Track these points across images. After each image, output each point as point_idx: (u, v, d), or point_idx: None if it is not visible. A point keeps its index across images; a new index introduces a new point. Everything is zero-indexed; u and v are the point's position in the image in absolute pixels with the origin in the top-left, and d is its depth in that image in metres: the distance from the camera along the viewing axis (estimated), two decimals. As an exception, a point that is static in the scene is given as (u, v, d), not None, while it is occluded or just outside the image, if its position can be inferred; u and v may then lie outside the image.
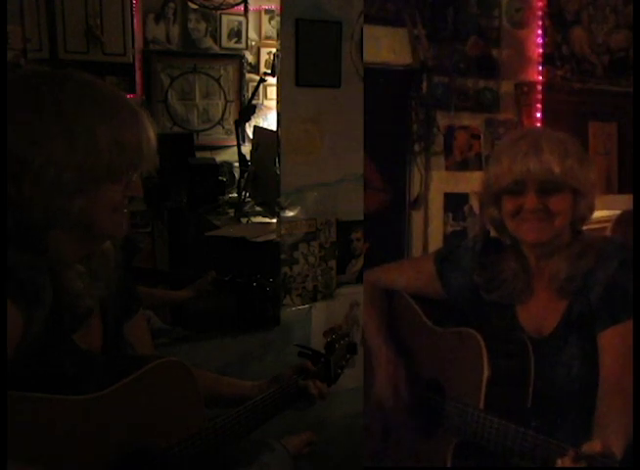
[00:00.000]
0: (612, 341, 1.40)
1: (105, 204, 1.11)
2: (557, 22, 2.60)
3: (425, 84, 2.43)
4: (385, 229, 2.45)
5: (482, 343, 1.47)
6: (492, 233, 1.60)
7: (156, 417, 1.19)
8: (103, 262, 1.19)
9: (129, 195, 1.16)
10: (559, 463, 1.20)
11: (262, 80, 3.57)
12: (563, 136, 1.49)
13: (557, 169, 1.41)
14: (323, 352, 1.62)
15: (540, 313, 1.52)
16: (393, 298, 1.76)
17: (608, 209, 2.58)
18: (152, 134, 1.15)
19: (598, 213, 2.45)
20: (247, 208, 2.93)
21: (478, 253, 1.61)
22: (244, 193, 2.99)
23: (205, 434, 1.26)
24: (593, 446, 1.16)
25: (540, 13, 2.57)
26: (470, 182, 2.48)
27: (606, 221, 2.49)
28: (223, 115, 4.14)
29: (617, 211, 2.54)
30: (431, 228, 2.50)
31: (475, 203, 2.44)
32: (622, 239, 1.53)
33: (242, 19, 4.11)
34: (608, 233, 2.47)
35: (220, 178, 3.14)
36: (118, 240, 1.26)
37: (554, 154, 1.43)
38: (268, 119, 3.80)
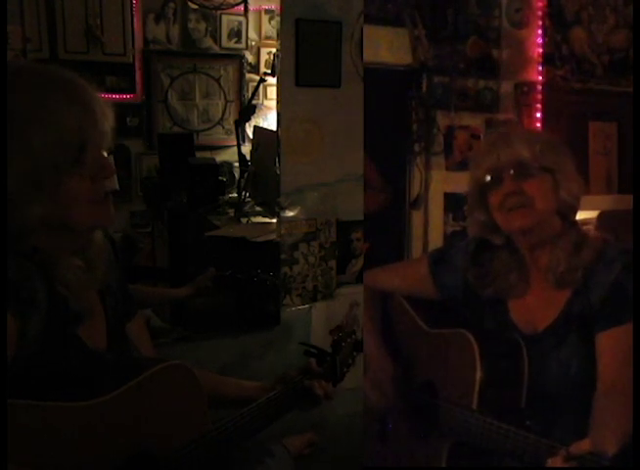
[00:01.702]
0: (611, 342, 1.41)
1: (72, 197, 1.04)
2: (557, 22, 2.60)
3: (425, 84, 2.43)
4: (385, 229, 2.45)
5: (475, 344, 1.48)
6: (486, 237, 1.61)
7: (160, 420, 1.18)
8: (96, 253, 1.17)
9: (102, 178, 1.08)
10: (550, 463, 1.20)
11: (262, 80, 3.57)
12: (534, 130, 1.57)
13: (525, 154, 1.46)
14: (329, 350, 1.62)
15: (535, 308, 1.53)
16: (389, 300, 1.76)
17: (608, 208, 2.58)
18: (96, 107, 1.05)
19: (592, 214, 2.46)
20: (247, 208, 2.93)
21: (471, 251, 1.62)
22: (244, 193, 2.99)
23: (209, 436, 1.25)
24: (581, 446, 1.17)
25: (540, 13, 2.57)
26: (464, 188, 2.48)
27: (587, 223, 2.49)
28: (223, 115, 4.14)
29: (596, 212, 2.55)
30: (431, 228, 2.50)
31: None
32: (625, 243, 1.54)
33: (242, 19, 4.12)
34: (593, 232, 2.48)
35: (220, 178, 3.14)
36: (108, 233, 1.25)
37: (522, 142, 1.49)
38: (268, 119, 3.81)
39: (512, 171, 1.46)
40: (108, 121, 1.07)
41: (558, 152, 1.51)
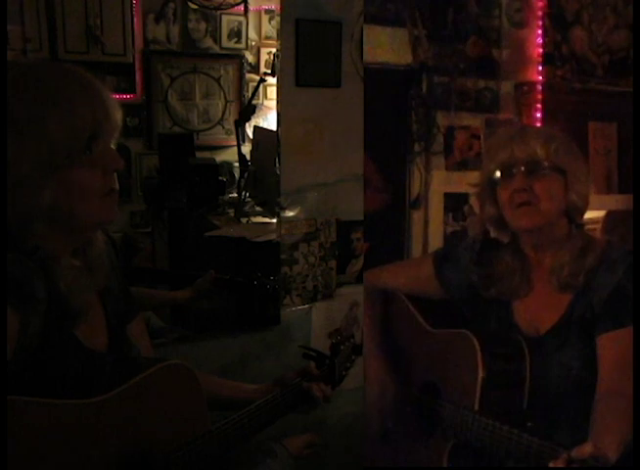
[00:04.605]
0: (613, 344, 1.41)
1: (80, 189, 1.06)
2: (557, 22, 2.60)
3: (425, 84, 2.43)
4: (385, 229, 2.45)
5: (477, 344, 1.48)
6: (492, 234, 1.60)
7: (159, 420, 1.18)
8: (97, 254, 1.17)
9: (112, 170, 1.10)
10: (551, 465, 1.20)
11: (262, 80, 3.57)
12: (548, 128, 1.56)
13: (540, 152, 1.46)
14: (327, 353, 1.62)
15: (538, 310, 1.53)
16: (391, 299, 1.76)
17: (607, 208, 2.58)
18: (107, 100, 1.08)
19: (594, 214, 2.46)
20: (247, 208, 2.94)
21: (476, 251, 1.62)
22: (244, 193, 2.99)
23: (208, 437, 1.25)
24: (584, 449, 1.16)
25: (540, 13, 2.57)
26: (470, 182, 2.48)
27: (595, 222, 2.50)
28: (223, 115, 4.14)
29: (603, 212, 2.55)
30: (431, 228, 2.49)
31: (474, 203, 2.44)
32: (627, 245, 1.54)
33: (242, 19, 4.12)
34: (599, 233, 2.48)
35: (220, 178, 3.14)
36: (109, 233, 1.25)
37: (538, 139, 1.48)
38: (268, 119, 3.81)
39: (523, 168, 1.46)
40: (118, 116, 1.10)
41: (572, 153, 1.50)
